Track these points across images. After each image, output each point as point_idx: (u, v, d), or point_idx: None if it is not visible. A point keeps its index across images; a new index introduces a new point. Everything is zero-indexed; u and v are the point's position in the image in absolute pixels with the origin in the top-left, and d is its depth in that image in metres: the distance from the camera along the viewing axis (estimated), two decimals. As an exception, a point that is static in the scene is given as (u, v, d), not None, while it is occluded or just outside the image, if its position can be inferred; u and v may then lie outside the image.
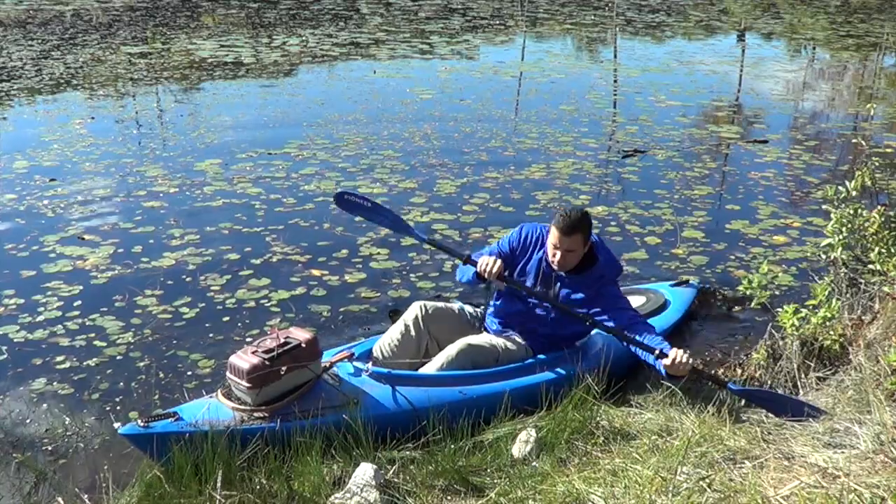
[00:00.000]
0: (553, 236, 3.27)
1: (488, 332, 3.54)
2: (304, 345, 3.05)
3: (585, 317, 3.33)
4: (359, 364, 3.24)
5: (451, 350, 3.30)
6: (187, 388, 3.61)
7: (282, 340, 3.05)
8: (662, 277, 4.78)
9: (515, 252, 3.46)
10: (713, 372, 3.37)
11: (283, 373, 2.98)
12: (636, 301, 4.01)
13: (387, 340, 3.41)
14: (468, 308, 3.65)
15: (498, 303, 3.53)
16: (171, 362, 3.85)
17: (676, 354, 3.08)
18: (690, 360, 3.10)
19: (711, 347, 4.00)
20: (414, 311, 3.43)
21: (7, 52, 11.67)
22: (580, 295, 3.36)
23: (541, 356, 3.43)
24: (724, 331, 4.23)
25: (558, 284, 3.38)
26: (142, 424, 2.81)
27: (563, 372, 3.34)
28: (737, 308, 4.44)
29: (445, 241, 3.66)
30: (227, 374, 3.02)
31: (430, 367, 3.29)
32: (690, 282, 4.49)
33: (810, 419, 2.88)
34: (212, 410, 2.94)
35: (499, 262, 3.29)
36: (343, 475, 2.71)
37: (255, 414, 2.94)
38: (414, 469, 2.76)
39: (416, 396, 3.11)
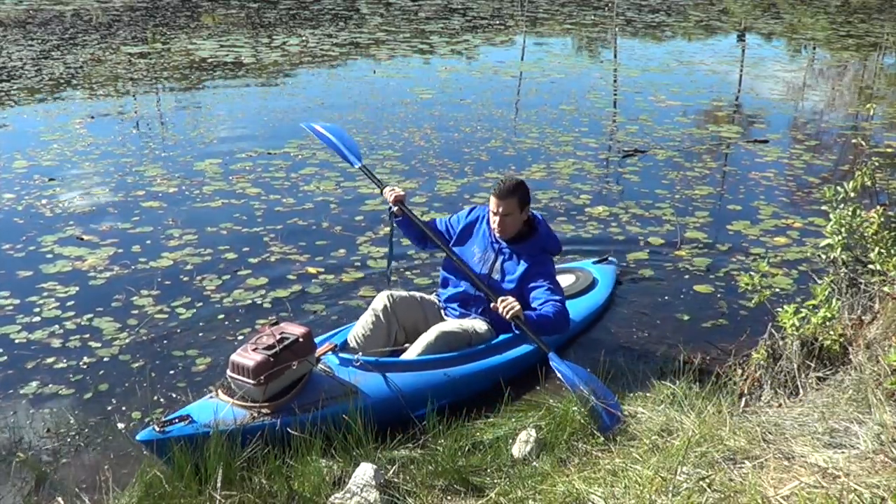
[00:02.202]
0: (492, 203, 3.59)
1: (451, 317, 3.74)
2: (301, 339, 3.12)
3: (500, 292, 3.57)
4: (345, 355, 3.35)
5: (429, 336, 3.48)
6: (187, 388, 3.60)
7: (278, 336, 3.10)
8: (664, 279, 4.79)
9: (463, 227, 3.78)
10: (543, 339, 3.54)
11: (288, 367, 3.03)
12: (566, 280, 4.32)
13: (359, 330, 3.56)
14: (428, 296, 3.83)
15: (446, 290, 3.77)
16: (171, 362, 3.84)
17: (503, 303, 3.40)
18: (510, 313, 3.38)
19: (712, 347, 4.00)
20: (382, 300, 3.60)
21: (7, 52, 11.66)
22: (522, 267, 3.61)
23: (503, 335, 3.62)
24: (728, 330, 4.22)
25: (501, 258, 3.65)
26: (158, 430, 2.84)
27: (528, 348, 3.59)
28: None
29: (372, 170, 4.18)
30: (229, 372, 3.03)
31: (411, 354, 3.46)
32: (610, 258, 4.75)
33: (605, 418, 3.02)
34: (221, 410, 2.96)
35: (399, 190, 3.73)
36: (343, 475, 2.71)
37: (264, 410, 2.98)
38: (414, 469, 2.76)
39: (405, 381, 3.25)
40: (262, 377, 2.96)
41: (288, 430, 2.91)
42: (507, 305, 3.41)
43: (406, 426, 3.11)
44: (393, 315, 3.58)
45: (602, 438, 2.89)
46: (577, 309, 4.06)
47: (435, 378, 3.33)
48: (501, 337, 3.62)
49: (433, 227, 3.84)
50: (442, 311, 3.78)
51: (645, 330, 4.22)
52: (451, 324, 3.62)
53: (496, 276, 3.65)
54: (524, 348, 3.61)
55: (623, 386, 3.39)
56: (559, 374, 3.33)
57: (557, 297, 3.58)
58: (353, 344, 3.53)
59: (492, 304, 3.48)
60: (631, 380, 3.52)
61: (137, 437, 2.87)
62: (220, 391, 3.09)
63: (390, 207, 3.77)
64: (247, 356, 3.01)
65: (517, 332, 3.52)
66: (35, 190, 6.10)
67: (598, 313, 4.25)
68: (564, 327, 3.62)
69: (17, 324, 4.13)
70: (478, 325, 3.62)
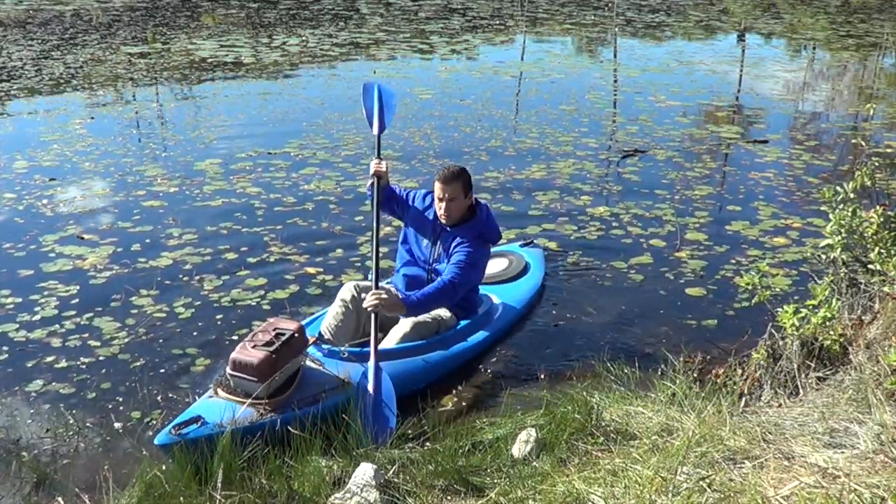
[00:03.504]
0: (437, 189, 3.77)
1: None
2: (296, 334, 3.20)
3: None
4: (329, 346, 3.50)
5: (403, 327, 3.71)
6: (187, 388, 3.61)
7: (273, 332, 3.16)
8: (664, 279, 4.79)
9: (416, 209, 3.96)
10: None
11: (287, 362, 3.12)
12: (501, 264, 4.58)
13: (331, 321, 3.72)
14: (386, 286, 3.95)
15: (402, 277, 3.94)
16: (170, 362, 3.85)
17: (371, 296, 3.51)
18: (369, 306, 3.50)
19: (712, 347, 4.00)
20: (349, 290, 3.76)
21: (7, 52, 11.67)
22: (455, 248, 3.79)
23: (463, 321, 3.89)
24: (728, 330, 4.22)
25: (442, 243, 3.85)
26: (174, 433, 2.88)
27: (493, 329, 3.97)
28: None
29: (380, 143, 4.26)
30: (230, 370, 3.07)
31: (388, 344, 3.65)
32: (534, 242, 4.98)
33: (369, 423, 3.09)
34: (227, 409, 3.01)
35: (382, 166, 3.91)
36: (343, 475, 2.71)
37: (268, 406, 3.05)
38: (414, 469, 2.76)
39: (389, 369, 3.39)
40: (264, 373, 3.01)
41: (295, 424, 2.95)
42: (370, 300, 3.51)
43: (405, 424, 3.12)
44: (360, 304, 3.66)
45: (602, 438, 2.89)
46: (520, 291, 4.39)
47: (415, 364, 3.59)
48: (463, 323, 3.89)
49: (401, 197, 4.02)
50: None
51: (645, 330, 4.23)
52: (422, 315, 3.77)
53: (437, 257, 3.88)
54: (489, 330, 3.95)
55: (623, 386, 3.39)
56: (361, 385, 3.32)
57: (451, 275, 3.72)
58: (326, 335, 3.66)
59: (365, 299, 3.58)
60: (631, 380, 3.52)
61: (156, 442, 2.91)
62: (219, 389, 3.12)
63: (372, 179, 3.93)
64: (249, 354, 3.04)
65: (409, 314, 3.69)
66: (36, 190, 6.10)
67: (538, 293, 4.50)
68: (444, 303, 3.79)
69: (17, 322, 4.13)
70: (443, 313, 3.85)
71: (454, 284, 3.71)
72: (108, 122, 8.27)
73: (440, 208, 3.79)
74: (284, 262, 4.94)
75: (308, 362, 3.33)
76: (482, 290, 4.16)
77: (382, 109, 4.23)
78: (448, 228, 3.84)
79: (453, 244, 3.80)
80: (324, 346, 3.49)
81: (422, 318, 3.75)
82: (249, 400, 3.03)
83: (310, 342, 3.41)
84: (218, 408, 3.02)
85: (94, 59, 11.37)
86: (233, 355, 3.08)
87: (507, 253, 4.73)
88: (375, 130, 4.17)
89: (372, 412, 3.17)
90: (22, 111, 8.75)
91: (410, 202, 4.01)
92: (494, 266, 4.42)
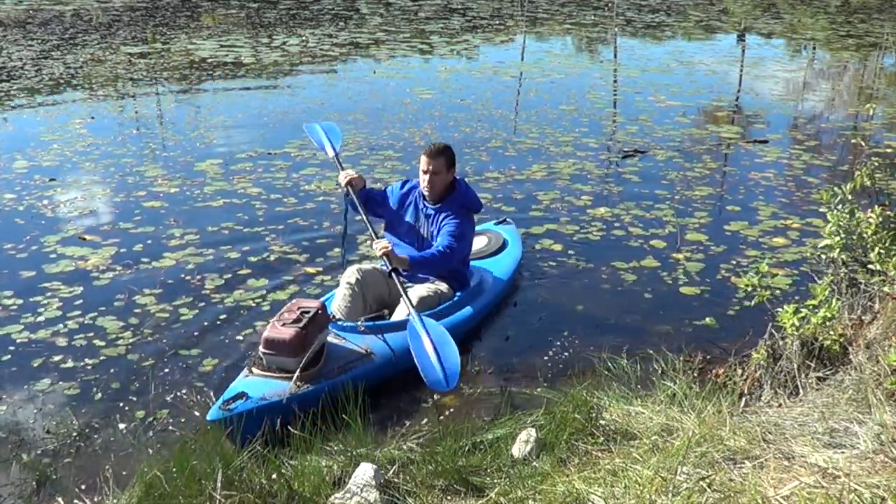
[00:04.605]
0: (423, 162, 4.03)
1: (409, 282, 4.07)
2: (319, 311, 3.45)
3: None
4: (344, 322, 3.75)
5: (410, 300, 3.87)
6: (187, 387, 3.61)
7: (298, 311, 3.39)
8: (664, 280, 4.79)
9: (398, 197, 4.19)
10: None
11: (316, 337, 3.37)
12: (481, 241, 4.81)
13: (340, 303, 3.94)
14: (383, 268, 4.10)
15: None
16: (170, 362, 3.85)
17: (377, 243, 3.84)
18: (381, 249, 3.80)
19: (712, 347, 4.00)
20: (353, 274, 4.00)
21: (7, 52, 11.67)
22: (442, 222, 4.03)
23: (459, 293, 4.12)
24: (728, 330, 4.23)
25: (428, 221, 4.08)
26: (223, 408, 3.13)
27: (483, 302, 4.22)
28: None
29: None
30: (262, 349, 3.32)
31: (397, 317, 3.87)
32: (507, 219, 5.22)
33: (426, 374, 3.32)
34: (265, 384, 3.26)
35: (352, 173, 4.16)
36: (343, 475, 2.71)
37: (303, 379, 3.29)
38: (414, 469, 2.76)
39: (402, 339, 3.59)
40: (297, 349, 3.26)
41: (328, 393, 3.23)
42: (377, 245, 3.84)
43: (405, 424, 3.12)
44: (364, 285, 3.97)
45: (602, 438, 2.90)
46: (504, 264, 4.65)
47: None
48: (459, 294, 4.13)
49: (378, 196, 4.24)
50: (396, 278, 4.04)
51: (645, 330, 4.23)
52: (424, 289, 4.03)
53: (427, 237, 4.11)
54: (484, 300, 4.25)
55: (623, 386, 3.39)
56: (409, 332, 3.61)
57: (445, 243, 3.96)
58: (338, 315, 3.86)
59: (373, 244, 3.91)
60: (631, 380, 3.52)
61: (208, 417, 3.12)
62: (254, 368, 3.36)
63: (344, 189, 4.18)
64: (280, 332, 3.28)
65: (390, 268, 3.85)
66: (36, 190, 6.11)
67: (519, 266, 4.77)
68: (442, 267, 4.04)
69: (20, 324, 4.13)
70: (441, 286, 4.09)
71: (450, 250, 3.96)
72: (108, 122, 8.28)
73: (424, 181, 4.04)
74: (285, 262, 4.95)
75: (330, 338, 3.57)
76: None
77: (330, 139, 4.63)
78: (431, 206, 4.08)
79: (441, 219, 4.04)
80: (340, 323, 3.73)
81: (424, 292, 3.98)
82: (278, 375, 3.28)
83: (331, 319, 3.65)
84: (257, 384, 3.26)
85: (94, 59, 11.37)
86: (265, 335, 3.31)
87: (485, 231, 4.99)
88: (331, 153, 4.54)
89: (436, 357, 3.35)
90: (22, 111, 8.75)
91: (389, 195, 4.24)
92: (476, 244, 4.64)
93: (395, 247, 4.09)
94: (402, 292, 3.74)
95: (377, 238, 4.01)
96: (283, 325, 3.31)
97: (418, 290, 4.00)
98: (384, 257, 3.80)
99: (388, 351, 3.64)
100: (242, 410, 3.11)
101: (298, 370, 3.27)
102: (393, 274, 3.79)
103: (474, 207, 4.20)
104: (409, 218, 4.16)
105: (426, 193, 4.07)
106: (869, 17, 18.15)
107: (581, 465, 2.68)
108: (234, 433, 3.05)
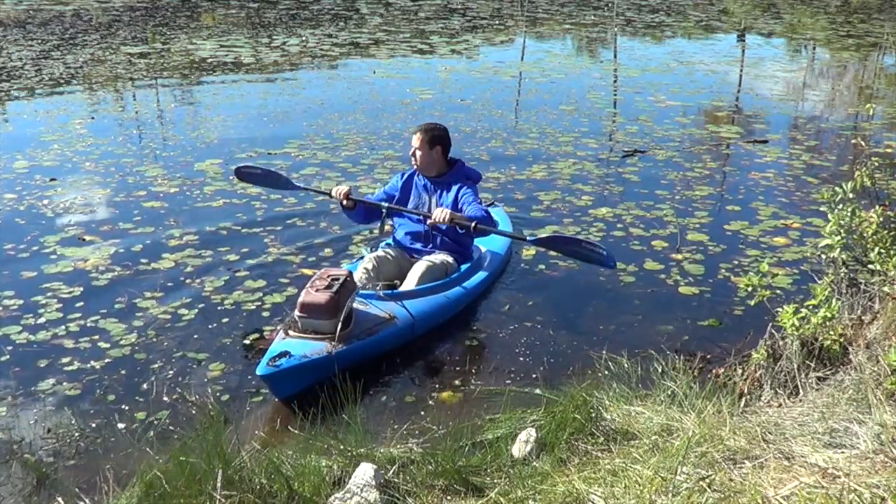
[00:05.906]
0: (414, 139, 4.39)
1: (417, 256, 4.45)
2: (348, 278, 3.73)
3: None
4: (363, 290, 4.01)
5: (418, 271, 4.26)
6: (187, 388, 3.61)
7: (328, 279, 3.67)
8: (664, 280, 4.79)
9: (401, 187, 4.53)
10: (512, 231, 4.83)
11: (347, 301, 3.65)
12: None
13: (361, 275, 4.23)
14: (388, 250, 4.56)
15: (404, 233, 4.54)
16: (170, 362, 3.84)
17: (439, 213, 4.19)
18: (445, 217, 4.16)
19: (712, 347, 4.00)
20: (371, 261, 4.33)
21: (7, 52, 11.67)
22: (452, 192, 4.40)
23: (463, 266, 4.47)
24: (728, 330, 4.23)
25: (435, 196, 4.44)
26: (270, 364, 3.41)
27: (485, 273, 4.56)
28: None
29: (314, 185, 5.33)
30: (298, 312, 3.62)
31: (408, 286, 4.19)
32: (495, 202, 5.54)
33: (594, 259, 4.10)
34: (304, 345, 3.55)
35: (342, 188, 4.45)
36: (343, 475, 2.71)
37: (337, 339, 3.57)
38: (414, 469, 2.76)
39: (420, 306, 4.03)
40: (332, 311, 3.55)
41: (360, 353, 3.65)
42: (440, 215, 4.18)
43: (405, 424, 3.12)
44: (379, 271, 4.29)
45: (602, 438, 2.89)
46: (499, 241, 4.90)
47: (439, 300, 4.17)
48: (464, 266, 4.47)
49: (379, 198, 4.57)
50: (405, 254, 4.51)
51: (645, 330, 4.23)
52: (432, 258, 4.38)
53: (434, 207, 4.40)
54: (486, 272, 4.58)
55: (623, 385, 3.39)
56: (547, 248, 4.41)
57: (477, 209, 4.31)
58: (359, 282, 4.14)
59: (428, 222, 4.30)
60: (631, 380, 3.52)
61: (258, 372, 3.41)
62: (289, 331, 3.64)
63: (341, 203, 4.47)
64: (315, 296, 3.57)
65: (462, 232, 4.28)
66: (36, 190, 6.11)
67: (510, 242, 5.03)
68: (489, 224, 4.35)
69: (21, 325, 4.13)
70: (448, 258, 4.42)
71: (486, 211, 4.34)
72: (108, 122, 8.28)
73: (413, 155, 4.42)
74: (282, 263, 4.94)
75: (356, 304, 3.83)
76: None
77: (273, 175, 5.00)
78: (433, 183, 4.46)
79: (452, 191, 4.41)
80: (363, 292, 4.01)
81: (434, 262, 4.34)
82: (313, 336, 3.58)
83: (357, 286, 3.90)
84: (296, 345, 3.55)
85: (94, 59, 11.37)
86: (301, 300, 3.61)
87: None
88: (291, 189, 5.07)
89: (589, 250, 4.07)
90: (22, 111, 8.75)
91: (394, 191, 4.56)
92: None
93: (401, 225, 4.56)
94: (470, 225, 4.17)
95: (385, 228, 4.47)
96: (317, 290, 3.60)
97: (431, 258, 4.38)
98: (449, 222, 4.16)
99: (408, 316, 3.95)
100: (288, 366, 3.42)
101: (339, 328, 3.56)
102: (470, 231, 4.19)
103: (476, 178, 4.62)
104: (414, 198, 4.50)
105: (415, 166, 4.46)
106: (869, 17, 18.16)
107: (581, 465, 2.68)
108: (279, 387, 3.43)
